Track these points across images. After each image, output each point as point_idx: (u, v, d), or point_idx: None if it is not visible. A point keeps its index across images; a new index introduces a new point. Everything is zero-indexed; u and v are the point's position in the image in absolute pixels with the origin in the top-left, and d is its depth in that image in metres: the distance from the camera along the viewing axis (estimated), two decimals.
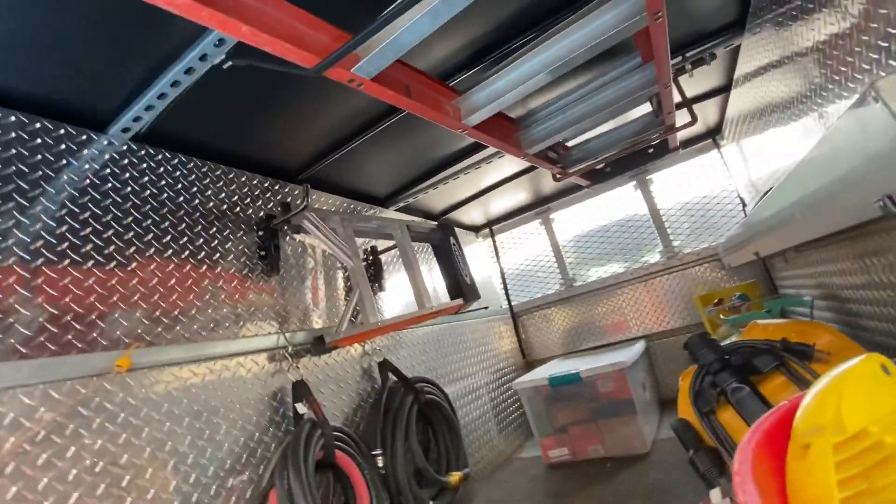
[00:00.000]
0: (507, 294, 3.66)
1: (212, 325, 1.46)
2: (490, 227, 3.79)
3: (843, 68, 1.14)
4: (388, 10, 0.90)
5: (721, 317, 2.07)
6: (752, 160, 2.49)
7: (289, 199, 1.96)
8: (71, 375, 1.09)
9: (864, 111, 0.56)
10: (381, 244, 2.46)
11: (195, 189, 1.59)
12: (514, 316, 3.60)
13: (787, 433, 0.30)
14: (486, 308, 3.20)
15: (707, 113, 2.72)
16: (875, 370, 0.30)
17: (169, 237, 1.44)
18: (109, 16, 1.04)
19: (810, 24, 1.28)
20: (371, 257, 2.37)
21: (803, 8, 1.28)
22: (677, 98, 1.88)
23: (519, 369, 3.37)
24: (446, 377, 2.50)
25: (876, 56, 1.00)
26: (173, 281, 1.40)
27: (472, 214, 3.52)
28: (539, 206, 3.58)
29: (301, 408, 1.53)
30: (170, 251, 1.43)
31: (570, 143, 2.19)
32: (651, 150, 2.27)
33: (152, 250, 1.38)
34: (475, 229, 3.81)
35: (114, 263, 1.28)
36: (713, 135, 3.00)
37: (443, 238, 2.41)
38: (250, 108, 1.54)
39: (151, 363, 1.24)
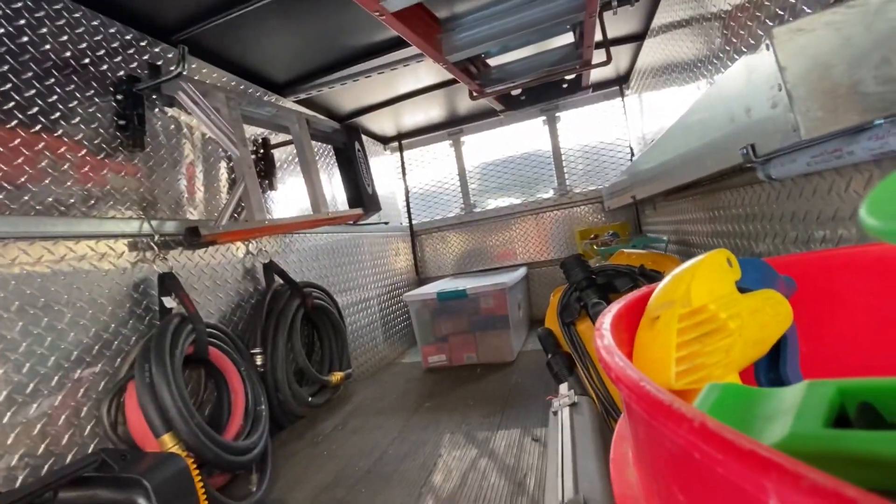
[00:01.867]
0: (409, 212, 3.65)
1: (50, 200, 1.21)
2: (400, 140, 3.65)
3: (741, 32, 1.22)
4: None
5: (594, 247, 2.33)
6: (648, 114, 2.69)
7: (160, 63, 1.62)
8: None
9: (754, 58, 0.61)
10: (276, 138, 2.22)
11: (37, 32, 1.22)
12: (412, 234, 3.64)
13: (639, 313, 0.34)
14: (386, 223, 3.18)
15: (620, 59, 2.82)
16: (721, 261, 0.35)
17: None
18: None
19: None
20: (262, 150, 2.14)
21: None
22: (598, 36, 1.90)
23: (411, 285, 3.48)
24: (338, 286, 2.48)
25: (772, 24, 1.09)
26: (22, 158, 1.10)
27: (383, 123, 3.33)
28: (452, 126, 3.51)
29: (169, 301, 1.40)
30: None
31: (490, 62, 2.12)
32: (565, 85, 2.30)
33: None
34: (384, 140, 3.64)
35: None
36: (621, 83, 3.14)
37: (347, 141, 2.25)
38: None
39: None
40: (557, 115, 3.33)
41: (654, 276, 1.01)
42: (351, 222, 2.48)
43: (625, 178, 2.45)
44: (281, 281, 1.90)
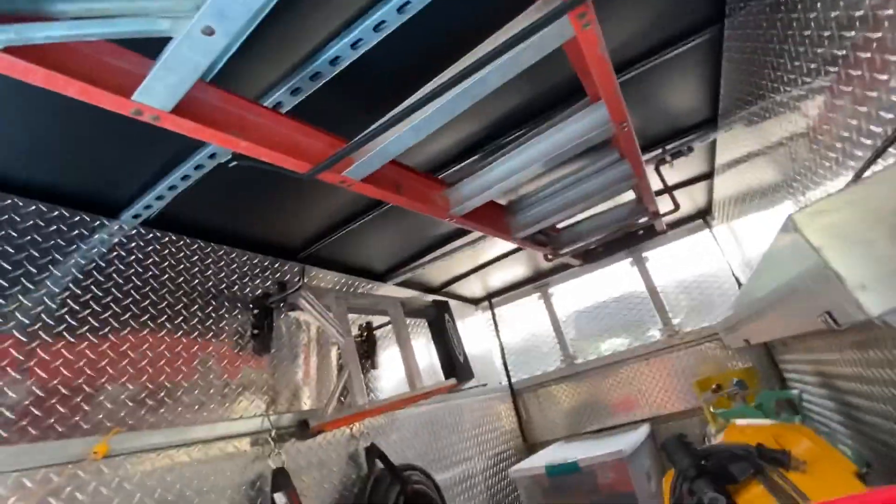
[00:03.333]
0: (506, 370, 3.58)
1: (197, 407, 1.45)
2: (489, 299, 3.81)
3: (808, 161, 1.22)
4: (375, 125, 1.01)
5: (711, 409, 2.00)
6: (742, 240, 2.55)
7: (286, 279, 2.03)
8: (47, 462, 1.08)
9: (788, 237, 0.61)
10: (378, 320, 2.48)
11: (196, 269, 1.66)
12: (513, 393, 3.49)
13: None
14: (484, 385, 3.13)
15: (696, 195, 2.83)
16: None
17: (165, 316, 1.49)
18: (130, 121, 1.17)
19: (778, 122, 1.39)
20: (365, 333, 2.38)
21: (768, 109, 1.40)
22: (659, 185, 1.99)
23: (519, 453, 3.21)
24: (439, 463, 2.38)
25: (833, 155, 1.09)
26: (163, 361, 1.42)
27: (472, 287, 3.56)
28: (537, 280, 3.62)
29: (280, 498, 1.47)
30: (164, 330, 1.47)
31: (559, 226, 2.27)
32: (641, 233, 2.34)
33: (146, 329, 1.42)
34: (474, 301, 3.83)
35: (105, 343, 1.31)
36: (704, 215, 3.09)
37: (437, 314, 2.43)
38: (253, 197, 1.65)
39: (129, 449, 1.22)
40: (644, 255, 3.28)
41: (779, 460, 0.84)
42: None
43: (732, 315, 2.22)
44: (381, 465, 1.90)
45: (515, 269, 3.44)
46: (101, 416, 1.22)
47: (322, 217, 1.96)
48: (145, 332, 1.41)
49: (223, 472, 1.43)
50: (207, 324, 1.61)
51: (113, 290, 1.39)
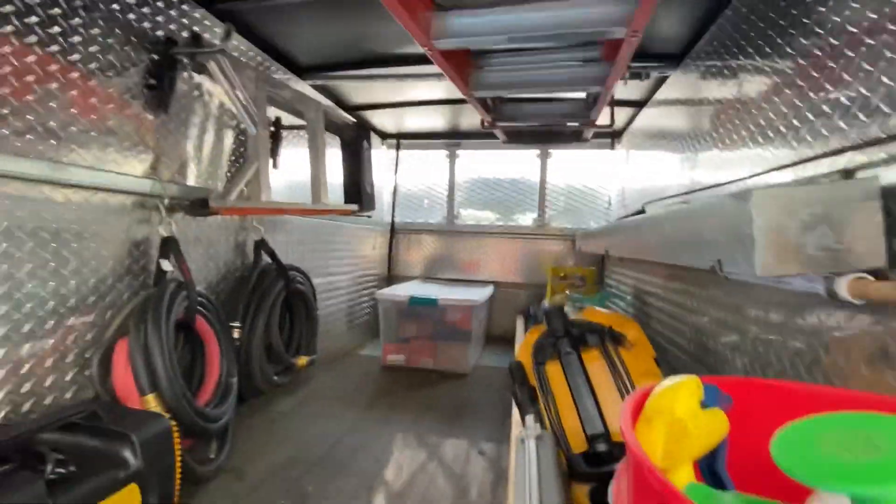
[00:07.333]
0: (393, 210, 3.74)
1: (73, 146, 1.22)
2: (398, 139, 3.73)
3: (729, 125, 1.43)
4: None
5: (567, 292, 2.54)
6: (630, 170, 2.94)
7: (197, 29, 1.64)
8: None
9: (735, 204, 0.78)
10: (288, 119, 2.26)
11: None
12: (392, 231, 3.73)
13: (641, 407, 0.49)
14: (369, 216, 3.25)
15: (618, 116, 3.05)
16: (693, 386, 0.50)
17: (36, 18, 1.12)
18: None
19: (720, 85, 1.55)
20: (272, 128, 2.17)
21: (723, 71, 1.53)
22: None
23: (380, 281, 3.57)
24: (315, 270, 2.53)
25: (745, 133, 1.31)
26: (32, 78, 1.12)
27: (385, 120, 3.40)
28: (451, 138, 3.64)
29: (166, 265, 1.44)
30: (34, 37, 1.12)
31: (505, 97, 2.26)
32: (568, 133, 2.49)
33: (9, 28, 1.06)
34: (383, 136, 3.71)
35: None
36: (614, 136, 3.38)
37: (356, 138, 2.33)
38: None
39: None
40: (550, 151, 3.53)
41: (619, 338, 1.19)
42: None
43: (601, 228, 2.67)
44: (269, 260, 1.96)
45: (434, 119, 3.37)
46: None
47: None
48: (10, 33, 1.06)
49: (106, 223, 1.31)
50: (92, 50, 1.27)
51: None
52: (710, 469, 0.51)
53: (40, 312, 1.14)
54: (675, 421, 0.45)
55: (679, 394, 0.47)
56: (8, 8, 1.05)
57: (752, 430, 0.50)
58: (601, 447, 1.00)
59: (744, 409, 0.54)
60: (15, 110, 1.08)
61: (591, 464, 0.98)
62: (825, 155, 0.91)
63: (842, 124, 0.89)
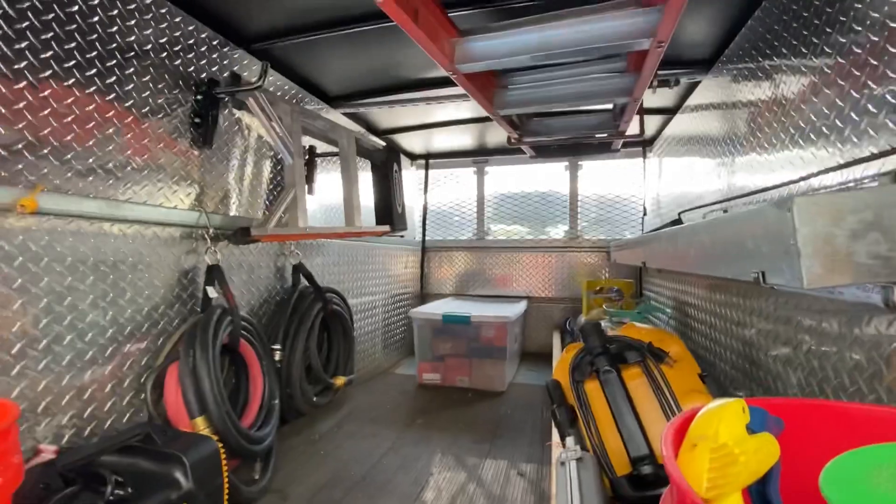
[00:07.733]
0: (423, 228, 3.79)
1: (129, 184, 1.32)
2: (427, 159, 3.80)
3: (766, 129, 1.38)
4: None
5: (605, 307, 2.48)
6: (664, 179, 2.86)
7: (235, 68, 1.75)
8: None
9: (776, 212, 0.75)
10: (321, 146, 2.35)
11: (133, 21, 1.35)
12: (423, 250, 3.77)
13: (684, 432, 0.48)
14: (401, 236, 3.30)
15: (648, 125, 2.99)
16: (738, 409, 0.48)
17: (95, 70, 1.23)
18: None
19: (755, 87, 1.50)
20: (307, 157, 2.27)
21: (756, 73, 1.49)
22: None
23: (413, 298, 3.61)
24: (351, 291, 2.60)
25: (784, 135, 1.25)
26: (93, 124, 1.22)
27: (413, 142, 3.48)
28: (478, 155, 3.67)
29: (212, 291, 1.51)
30: (94, 88, 1.23)
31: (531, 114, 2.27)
32: (596, 143, 2.46)
33: (72, 80, 1.17)
34: (412, 157, 3.79)
35: (23, 83, 1.07)
36: (645, 145, 3.32)
37: (386, 161, 2.39)
38: None
39: (59, 211, 1.12)
40: (580, 163, 3.49)
41: (660, 355, 1.15)
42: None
43: (636, 238, 2.60)
44: (306, 283, 2.02)
45: (461, 138, 3.41)
46: (20, 166, 1.06)
47: (289, 11, 1.66)
48: (72, 84, 1.17)
49: (157, 254, 1.40)
50: (144, 95, 1.38)
51: (28, 34, 1.08)
52: (761, 496, 0.48)
53: (101, 340, 1.22)
54: (719, 447, 0.43)
55: (723, 418, 0.45)
56: (70, 62, 1.17)
57: (807, 454, 0.47)
58: (646, 470, 0.96)
59: (796, 432, 0.50)
60: (77, 155, 1.18)
61: (637, 487, 0.94)
62: (873, 157, 0.87)
63: (889, 123, 0.84)
